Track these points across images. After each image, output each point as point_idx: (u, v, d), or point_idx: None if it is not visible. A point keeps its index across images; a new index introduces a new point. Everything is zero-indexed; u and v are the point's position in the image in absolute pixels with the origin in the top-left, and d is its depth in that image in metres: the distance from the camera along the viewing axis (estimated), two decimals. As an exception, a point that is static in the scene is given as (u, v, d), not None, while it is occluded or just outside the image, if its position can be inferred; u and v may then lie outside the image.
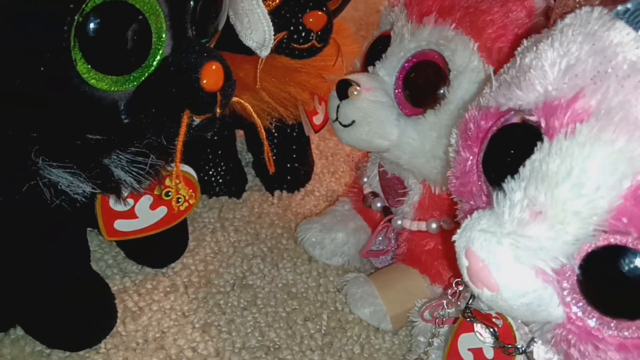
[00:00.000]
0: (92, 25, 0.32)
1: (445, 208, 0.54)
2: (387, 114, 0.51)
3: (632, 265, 0.29)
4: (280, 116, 0.65)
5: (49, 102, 0.33)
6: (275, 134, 0.75)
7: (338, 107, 0.52)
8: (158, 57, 0.35)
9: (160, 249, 0.59)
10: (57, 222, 0.45)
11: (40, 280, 0.46)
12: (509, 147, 0.35)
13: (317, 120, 0.75)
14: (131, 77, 0.35)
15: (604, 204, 0.29)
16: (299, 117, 0.71)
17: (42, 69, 0.31)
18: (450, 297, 0.48)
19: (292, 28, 0.56)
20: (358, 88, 0.50)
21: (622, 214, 0.28)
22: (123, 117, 0.36)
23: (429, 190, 0.55)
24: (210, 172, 0.71)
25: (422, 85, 0.50)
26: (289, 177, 0.77)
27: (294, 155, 0.77)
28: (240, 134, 0.82)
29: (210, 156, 0.71)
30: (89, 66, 0.32)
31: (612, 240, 0.30)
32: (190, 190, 0.54)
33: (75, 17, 0.31)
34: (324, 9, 0.57)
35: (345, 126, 0.52)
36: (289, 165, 0.77)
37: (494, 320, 0.42)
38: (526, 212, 0.31)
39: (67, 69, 0.32)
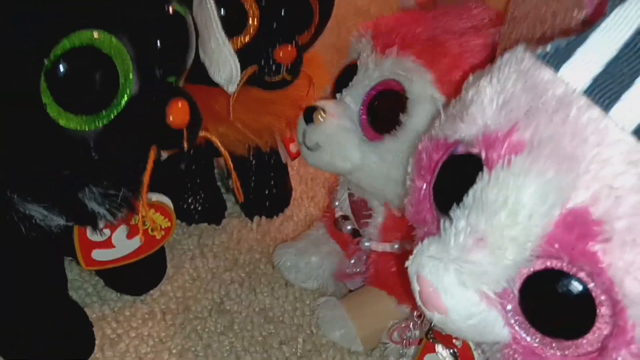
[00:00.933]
0: (61, 69, 0.34)
1: (407, 230, 0.56)
2: (350, 137, 0.53)
3: (566, 288, 0.31)
4: (255, 145, 0.67)
5: (21, 140, 0.35)
6: (253, 162, 0.77)
7: (304, 131, 0.55)
8: (126, 97, 0.37)
9: (138, 276, 0.60)
10: (34, 251, 0.46)
11: (17, 308, 0.48)
12: (456, 177, 0.37)
13: (294, 148, 0.77)
14: (100, 116, 0.37)
15: (537, 230, 0.31)
16: (276, 146, 0.73)
17: (13, 109, 0.33)
18: (415, 318, 0.50)
19: (262, 62, 0.58)
20: (323, 114, 0.53)
21: (554, 240, 0.30)
22: (93, 153, 0.38)
23: (391, 212, 0.57)
24: (189, 201, 0.73)
25: (384, 112, 0.52)
26: (267, 203, 0.79)
27: (272, 182, 0.79)
28: (220, 161, 0.83)
29: (189, 184, 0.73)
30: (59, 108, 0.34)
31: (548, 264, 0.32)
32: (166, 219, 0.56)
33: (45, 62, 0.33)
34: (294, 43, 0.60)
35: (310, 149, 0.55)
36: (267, 191, 0.79)
37: (454, 341, 0.44)
38: (469, 239, 0.33)
39: (38, 110, 0.34)
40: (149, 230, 0.55)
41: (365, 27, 0.55)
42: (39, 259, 0.47)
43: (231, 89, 0.48)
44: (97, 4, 0.34)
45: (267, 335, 0.60)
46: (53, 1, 0.33)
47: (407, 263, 0.37)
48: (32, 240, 0.42)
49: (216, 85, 0.59)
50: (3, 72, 0.32)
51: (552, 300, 0.32)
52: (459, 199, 0.35)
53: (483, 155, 0.34)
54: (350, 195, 0.62)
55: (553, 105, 0.32)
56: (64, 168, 0.38)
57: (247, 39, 0.57)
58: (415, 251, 0.37)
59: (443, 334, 0.45)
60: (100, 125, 0.37)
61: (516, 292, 0.33)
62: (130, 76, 0.37)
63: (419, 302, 0.37)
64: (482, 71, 0.38)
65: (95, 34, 0.34)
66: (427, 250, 0.35)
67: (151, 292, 0.62)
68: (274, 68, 0.59)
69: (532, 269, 0.32)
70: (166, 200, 0.55)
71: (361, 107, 0.53)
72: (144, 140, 0.38)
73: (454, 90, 0.47)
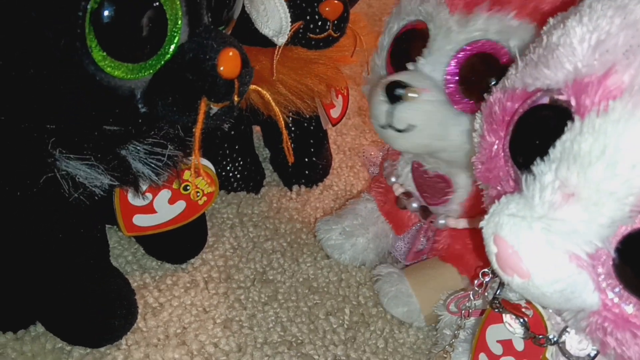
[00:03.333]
0: (107, 12, 0.31)
1: None
2: (448, 113, 0.47)
3: (672, 248, 0.28)
4: (297, 109, 0.64)
5: (65, 92, 0.32)
6: (292, 128, 0.74)
7: (388, 111, 0.48)
8: (174, 44, 0.34)
9: (179, 244, 0.58)
10: (76, 218, 0.44)
11: (60, 276, 0.46)
12: (538, 129, 0.33)
13: (335, 113, 0.74)
14: (147, 65, 0.34)
15: (641, 183, 0.27)
16: (316, 110, 0.70)
17: (56, 56, 0.30)
18: (476, 287, 0.47)
19: (308, 17, 0.55)
20: (415, 89, 0.47)
21: (661, 192, 0.27)
22: (140, 106, 0.35)
23: (478, 187, 0.53)
24: (228, 168, 0.71)
25: (479, 78, 0.46)
26: (306, 172, 0.76)
27: (312, 150, 0.76)
28: (257, 130, 0.81)
29: (227, 152, 0.71)
30: (105, 54, 0.32)
31: (650, 221, 0.28)
32: (209, 184, 0.53)
33: (90, 4, 0.30)
34: None
35: (400, 131, 0.48)
36: (306, 159, 0.76)
37: (523, 310, 0.41)
38: (558, 195, 0.30)
39: (82, 57, 0.31)
40: (192, 196, 0.52)
41: None
42: (81, 225, 0.45)
43: (281, 40, 0.45)
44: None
45: (313, 305, 0.58)
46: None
47: (482, 223, 0.34)
48: (74, 204, 0.40)
49: (256, 44, 0.56)
50: (47, 13, 0.29)
51: (655, 261, 0.29)
52: (542, 153, 0.31)
53: (573, 102, 0.30)
54: (415, 169, 0.57)
55: (659, 42, 0.28)
56: (109, 121, 0.35)
57: (291, -7, 0.53)
58: (490, 210, 0.33)
59: (511, 302, 0.42)
60: (147, 74, 0.34)
61: (612, 252, 0.30)
62: (179, 23, 0.34)
63: (495, 266, 0.34)
64: (566, 13, 0.35)
65: (143, -28, 0.31)
66: (507, 209, 0.32)
67: (192, 260, 0.60)
68: (319, 23, 0.55)
69: (631, 227, 0.29)
70: (209, 165, 0.53)
71: (448, 76, 0.47)
72: (193, 92, 0.35)
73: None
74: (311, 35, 0.57)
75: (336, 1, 0.56)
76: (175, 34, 0.34)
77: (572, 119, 0.30)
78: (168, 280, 0.57)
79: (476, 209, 0.54)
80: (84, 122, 0.35)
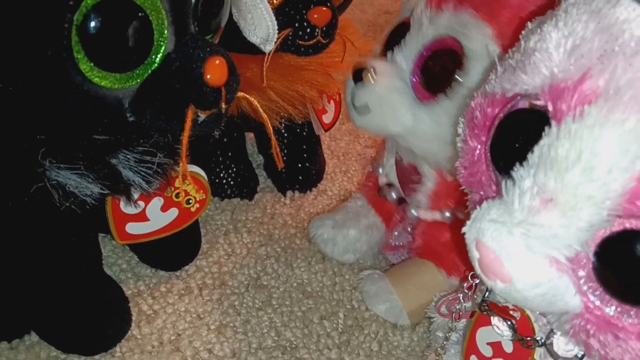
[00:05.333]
0: (93, 23, 0.31)
1: (460, 197, 0.54)
2: (402, 99, 0.51)
3: (649, 250, 0.28)
4: (289, 115, 0.65)
5: (53, 102, 0.33)
6: (285, 134, 0.75)
7: (353, 91, 0.53)
8: (160, 54, 0.35)
9: (173, 251, 0.59)
10: (69, 226, 0.45)
11: (53, 285, 0.46)
12: (517, 134, 0.34)
13: (327, 119, 0.75)
14: (134, 74, 0.34)
15: (617, 187, 0.28)
16: (308, 116, 0.71)
17: (44, 68, 0.31)
18: (466, 290, 0.47)
19: (296, 25, 0.56)
20: (374, 73, 0.50)
21: (637, 196, 0.28)
22: (128, 115, 0.36)
23: (443, 178, 0.55)
24: (221, 175, 0.71)
25: (439, 71, 0.49)
26: (300, 177, 0.76)
27: (305, 155, 0.76)
28: (250, 136, 0.81)
29: (220, 158, 0.71)
30: (92, 64, 0.32)
31: (627, 225, 0.29)
32: (201, 191, 0.54)
33: (76, 15, 0.30)
34: (328, 4, 0.57)
35: (358, 111, 0.53)
36: (299, 165, 0.76)
37: (511, 312, 0.41)
38: (536, 200, 0.30)
39: (70, 68, 0.32)
40: (184, 203, 0.53)
41: None
42: (73, 234, 0.46)
43: (268, 47, 0.46)
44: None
45: (307, 310, 0.58)
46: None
47: (465, 229, 0.34)
48: (66, 213, 0.40)
49: (245, 51, 0.57)
50: (34, 25, 0.30)
51: (633, 263, 0.29)
52: (521, 158, 0.32)
53: (550, 107, 0.31)
54: (398, 161, 0.59)
55: (632, 47, 0.29)
56: (98, 131, 0.36)
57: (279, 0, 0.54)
58: (473, 216, 0.34)
59: (499, 305, 0.42)
60: (135, 84, 0.35)
61: (591, 256, 0.30)
62: (165, 32, 0.35)
63: (479, 271, 0.34)
64: (543, 17, 0.35)
65: (128, -16, 0.32)
66: (488, 214, 0.32)
67: (186, 267, 0.60)
68: (308, 30, 0.56)
69: (609, 231, 0.29)
70: (200, 172, 0.54)
71: (414, 67, 0.50)
72: (180, 100, 0.36)
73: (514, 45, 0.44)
74: (300, 42, 0.58)
75: (324, 8, 0.57)
76: (161, 43, 0.35)
77: (550, 124, 0.30)
78: (162, 288, 0.58)
79: (442, 201, 0.56)
80: (72, 131, 0.36)
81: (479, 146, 0.37)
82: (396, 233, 0.61)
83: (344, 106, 0.81)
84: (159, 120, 0.36)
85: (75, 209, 0.40)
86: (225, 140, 0.70)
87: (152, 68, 0.35)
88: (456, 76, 0.47)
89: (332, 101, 0.75)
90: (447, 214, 0.55)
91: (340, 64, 0.66)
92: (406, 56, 0.51)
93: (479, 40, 0.46)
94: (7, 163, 0.36)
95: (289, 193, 0.75)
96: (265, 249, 0.65)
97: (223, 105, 0.38)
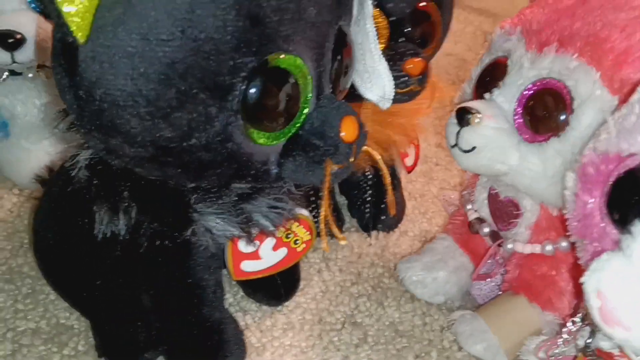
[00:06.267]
0: (253, 90, 0.36)
1: (562, 229, 0.55)
2: (508, 140, 0.53)
3: None
4: (373, 160, 0.68)
5: (215, 159, 0.38)
6: (370, 176, 0.78)
7: (457, 133, 0.54)
8: (305, 114, 0.39)
9: (276, 288, 0.63)
10: (207, 264, 0.49)
11: (187, 316, 0.51)
12: (635, 191, 0.37)
13: (408, 162, 0.79)
14: (282, 133, 0.39)
15: None
16: (393, 160, 0.74)
17: (216, 129, 0.35)
18: (566, 335, 0.49)
19: (394, 75, 0.60)
20: (479, 115, 0.52)
21: None
22: (272, 167, 0.40)
23: (546, 211, 0.56)
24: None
25: (543, 112, 0.51)
26: (382, 217, 0.79)
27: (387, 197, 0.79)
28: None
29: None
30: (251, 124, 0.37)
31: None
32: (307, 232, 0.58)
33: (244, 85, 0.35)
34: (422, 55, 0.61)
35: (465, 152, 0.54)
36: (382, 206, 0.80)
37: (617, 358, 0.43)
38: (657, 255, 0.33)
39: (235, 129, 0.36)
40: (292, 242, 0.57)
41: (512, 23, 0.55)
42: (207, 271, 0.50)
43: (386, 104, 0.50)
44: (286, 28, 0.36)
45: (401, 348, 0.61)
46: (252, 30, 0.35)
47: (584, 279, 0.37)
48: (202, 253, 0.45)
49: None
50: (213, 95, 0.35)
51: None
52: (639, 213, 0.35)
53: (670, 168, 0.34)
54: (491, 196, 0.61)
55: None
56: (247, 182, 0.40)
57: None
58: (592, 266, 0.36)
59: (604, 350, 0.44)
60: (282, 141, 0.39)
61: None
62: (309, 95, 0.39)
63: (597, 319, 0.36)
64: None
65: (283, 56, 0.37)
66: (609, 266, 0.35)
67: (287, 303, 0.64)
68: (403, 79, 0.60)
69: None
70: (308, 214, 0.57)
71: (516, 108, 0.53)
72: (320, 155, 0.40)
73: (623, 88, 0.47)
74: (396, 90, 0.62)
75: (418, 59, 0.60)
76: (306, 105, 0.39)
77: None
78: (267, 322, 0.61)
79: (544, 234, 0.57)
80: (223, 182, 0.40)
81: (592, 200, 0.40)
82: (489, 261, 0.63)
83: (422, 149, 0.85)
84: (300, 172, 0.40)
85: (211, 249, 0.45)
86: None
87: (297, 127, 0.39)
88: (562, 117, 0.49)
89: (412, 145, 0.79)
90: (549, 247, 0.56)
91: (425, 110, 0.70)
92: (507, 97, 0.53)
93: (586, 84, 0.48)
94: (167, 206, 0.41)
95: (373, 233, 0.78)
96: (356, 287, 0.68)
97: (352, 159, 0.42)
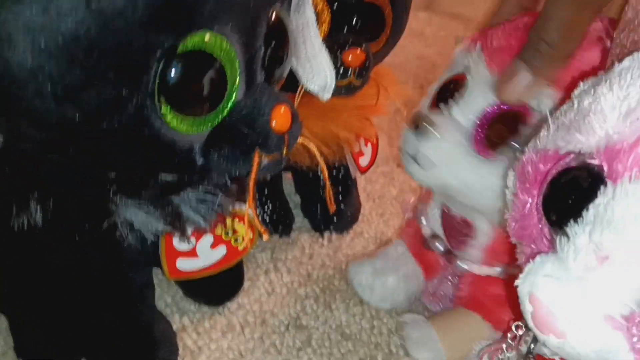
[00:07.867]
0: (173, 72, 0.34)
1: (514, 253, 0.54)
2: (464, 155, 0.51)
3: None
4: (323, 155, 0.66)
5: (131, 145, 0.35)
6: (321, 175, 0.76)
7: (415, 144, 0.53)
8: (232, 101, 0.37)
9: (217, 287, 0.60)
10: (131, 261, 0.46)
11: (109, 316, 0.48)
12: (570, 190, 0.35)
13: (363, 162, 0.77)
14: (207, 120, 0.36)
15: (675, 246, 0.29)
16: (344, 158, 0.72)
17: (129, 113, 0.33)
18: (510, 341, 0.48)
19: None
20: (435, 126, 0.51)
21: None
22: (197, 157, 0.38)
23: (500, 234, 0.55)
24: (257, 212, 0.73)
25: (504, 130, 0.50)
26: (335, 219, 0.77)
27: (341, 196, 0.78)
28: (288, 177, 0.83)
29: (257, 196, 0.73)
30: (171, 109, 0.34)
31: (683, 284, 0.30)
32: (249, 230, 0.55)
33: (160, 65, 0.33)
34: (363, 47, 0.59)
35: (420, 165, 0.53)
36: (341, 206, 0.78)
37: (558, 365, 0.42)
38: (592, 257, 0.31)
39: (151, 113, 0.34)
40: (232, 241, 0.55)
41: (473, 40, 0.53)
42: (132, 268, 0.48)
43: (327, 95, 0.47)
44: (209, 6, 0.34)
45: (346, 352, 0.59)
46: (168, 6, 0.33)
47: (518, 282, 0.35)
48: (128, 249, 0.43)
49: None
50: (123, 74, 0.32)
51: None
52: (574, 214, 0.33)
53: (605, 167, 0.32)
54: (444, 213, 0.60)
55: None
56: (170, 172, 0.38)
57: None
58: (526, 269, 0.35)
59: (545, 357, 0.43)
60: (206, 129, 0.37)
61: (645, 313, 0.31)
62: (238, 81, 0.37)
63: (531, 324, 0.35)
64: (594, 78, 0.37)
65: (207, 37, 0.34)
66: (542, 269, 0.34)
67: (228, 304, 0.62)
68: (341, 71, 0.58)
69: (665, 289, 0.30)
70: (249, 211, 0.55)
71: (476, 123, 0.50)
72: (248, 144, 0.37)
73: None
74: (336, 81, 0.60)
75: (358, 51, 0.58)
76: (233, 91, 0.37)
77: (605, 183, 0.32)
78: (206, 324, 0.59)
79: (498, 257, 0.56)
80: (144, 171, 0.38)
81: (530, 200, 0.38)
82: (436, 281, 0.62)
83: (380, 149, 0.83)
84: (226, 162, 0.38)
85: (137, 245, 0.42)
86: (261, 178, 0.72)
87: (223, 114, 0.37)
88: (517, 133, 0.48)
89: (369, 144, 0.77)
90: (499, 269, 0.55)
91: (376, 108, 0.68)
92: (465, 113, 0.51)
93: (548, 104, 0.46)
94: (83, 198, 0.38)
95: (326, 234, 0.77)
96: (304, 289, 0.66)
97: (285, 150, 0.40)
